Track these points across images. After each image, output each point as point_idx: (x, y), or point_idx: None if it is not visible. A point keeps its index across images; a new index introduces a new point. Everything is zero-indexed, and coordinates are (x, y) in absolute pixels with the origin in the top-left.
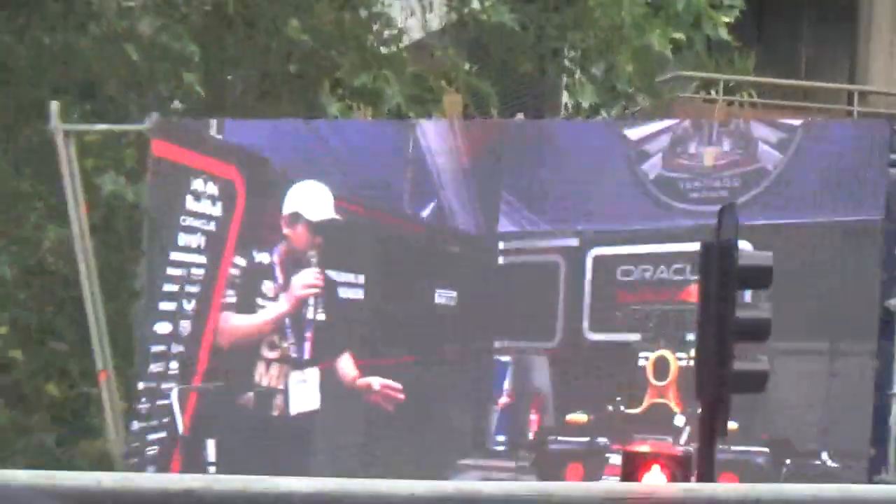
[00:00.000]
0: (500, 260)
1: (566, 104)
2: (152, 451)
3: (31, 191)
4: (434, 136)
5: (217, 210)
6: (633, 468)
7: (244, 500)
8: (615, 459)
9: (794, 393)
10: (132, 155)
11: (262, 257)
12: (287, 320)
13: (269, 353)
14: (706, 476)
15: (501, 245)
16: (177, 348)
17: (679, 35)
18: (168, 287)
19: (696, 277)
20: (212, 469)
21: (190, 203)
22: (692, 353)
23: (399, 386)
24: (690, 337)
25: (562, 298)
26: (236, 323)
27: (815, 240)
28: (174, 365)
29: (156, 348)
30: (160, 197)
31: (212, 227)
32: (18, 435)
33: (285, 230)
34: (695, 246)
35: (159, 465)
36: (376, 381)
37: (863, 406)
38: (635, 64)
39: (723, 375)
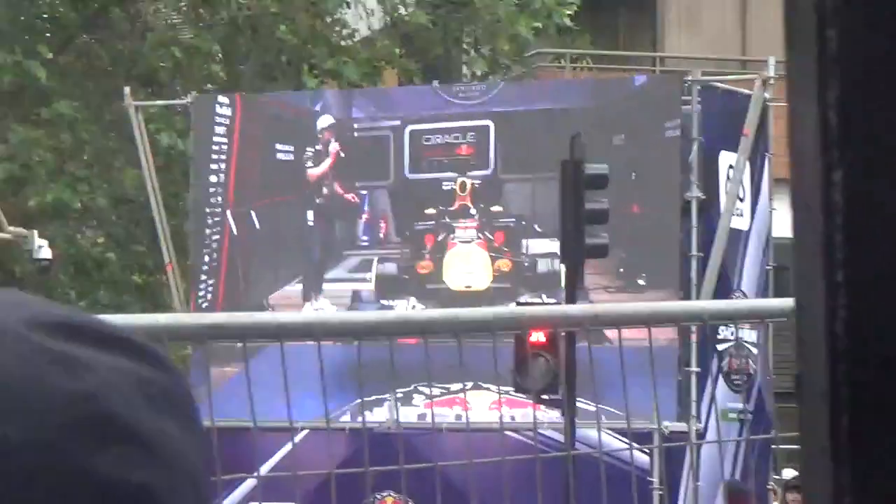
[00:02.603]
0: (355, 134)
1: (465, 74)
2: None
3: (115, 147)
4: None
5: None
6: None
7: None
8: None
9: None
10: (181, 120)
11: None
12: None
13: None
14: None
15: (355, 125)
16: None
17: (538, 24)
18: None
19: (465, 141)
20: None
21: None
22: (473, 179)
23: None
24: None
25: (392, 155)
26: (312, 172)
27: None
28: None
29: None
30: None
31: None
32: (115, 310)
33: (322, 134)
34: (462, 123)
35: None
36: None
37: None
38: (510, 45)
39: (578, 248)
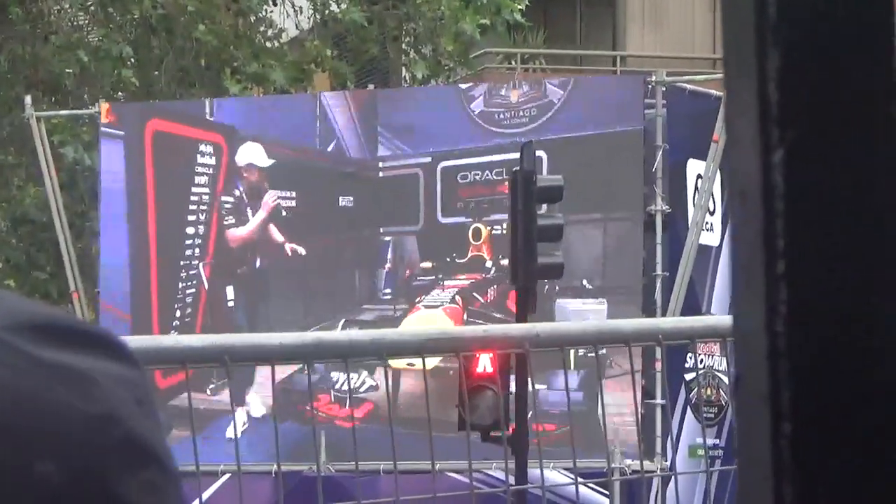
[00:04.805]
0: (380, 174)
1: (405, 77)
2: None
3: (14, 162)
4: (332, 100)
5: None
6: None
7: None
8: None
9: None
10: (87, 131)
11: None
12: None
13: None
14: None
15: (380, 164)
16: (198, 241)
17: (485, 20)
18: (192, 208)
19: (509, 178)
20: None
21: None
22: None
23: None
24: (499, 216)
25: (422, 197)
26: (237, 233)
27: (590, 146)
28: (197, 251)
29: (188, 242)
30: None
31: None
32: None
33: (244, 174)
34: (508, 156)
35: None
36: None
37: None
38: (454, 44)
39: (530, 268)
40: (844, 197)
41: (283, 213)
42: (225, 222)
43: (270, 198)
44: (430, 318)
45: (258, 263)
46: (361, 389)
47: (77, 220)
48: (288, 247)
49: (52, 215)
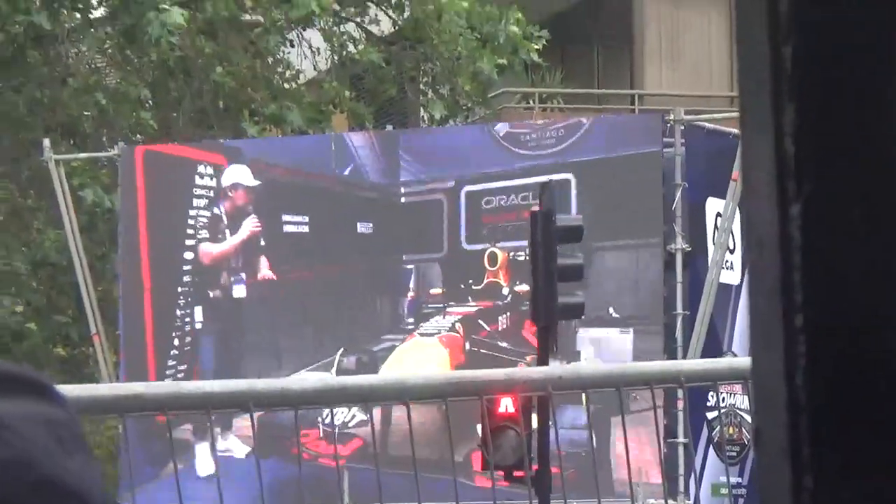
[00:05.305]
0: (402, 200)
1: (423, 117)
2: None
3: (34, 206)
4: (354, 136)
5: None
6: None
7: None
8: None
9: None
10: (107, 174)
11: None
12: (241, 246)
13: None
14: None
15: (402, 189)
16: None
17: (502, 60)
18: (189, 232)
19: (536, 201)
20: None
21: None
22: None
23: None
24: (523, 242)
25: (445, 223)
26: (209, 249)
27: (621, 167)
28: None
29: (185, 267)
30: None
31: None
32: None
33: (230, 193)
34: (534, 179)
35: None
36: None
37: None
38: (472, 84)
39: (551, 307)
40: (862, 249)
41: (262, 243)
42: (199, 235)
43: (252, 222)
44: (423, 346)
45: (243, 292)
46: (351, 424)
47: (97, 262)
48: (268, 275)
49: (72, 258)
